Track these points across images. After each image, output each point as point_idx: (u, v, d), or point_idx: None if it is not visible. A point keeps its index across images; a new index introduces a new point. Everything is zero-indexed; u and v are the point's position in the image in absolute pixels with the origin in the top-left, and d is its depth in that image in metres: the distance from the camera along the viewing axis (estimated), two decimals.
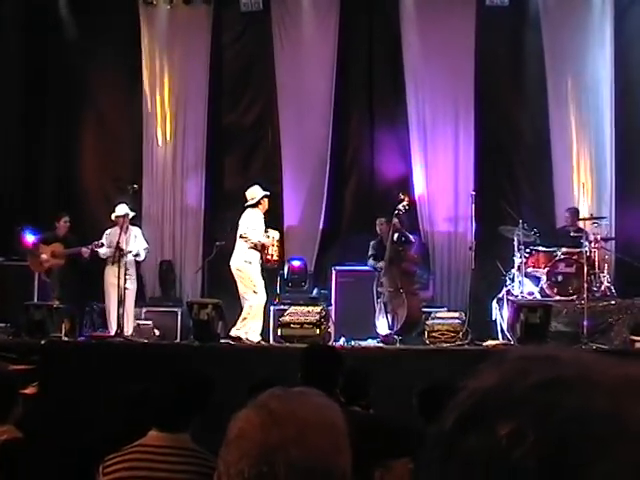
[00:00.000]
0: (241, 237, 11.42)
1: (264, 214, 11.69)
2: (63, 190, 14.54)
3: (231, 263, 11.43)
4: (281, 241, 12.35)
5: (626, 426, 0.70)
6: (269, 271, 11.88)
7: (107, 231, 12.30)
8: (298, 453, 1.68)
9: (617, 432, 0.69)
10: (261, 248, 11.46)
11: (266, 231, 11.60)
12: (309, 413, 1.78)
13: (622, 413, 0.70)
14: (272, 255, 11.58)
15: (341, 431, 1.79)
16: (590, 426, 0.69)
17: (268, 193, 11.78)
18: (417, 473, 0.73)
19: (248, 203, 11.63)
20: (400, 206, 11.83)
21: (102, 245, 12.12)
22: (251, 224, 11.45)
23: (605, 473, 0.67)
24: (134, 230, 12.35)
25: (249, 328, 11.26)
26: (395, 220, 11.80)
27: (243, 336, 11.15)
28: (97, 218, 13.48)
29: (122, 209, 12.15)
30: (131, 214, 12.21)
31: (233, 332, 11.20)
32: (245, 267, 11.33)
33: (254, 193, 11.65)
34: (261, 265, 11.55)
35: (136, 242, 12.24)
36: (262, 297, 11.50)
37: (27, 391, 8.10)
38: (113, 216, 12.20)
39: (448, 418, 0.76)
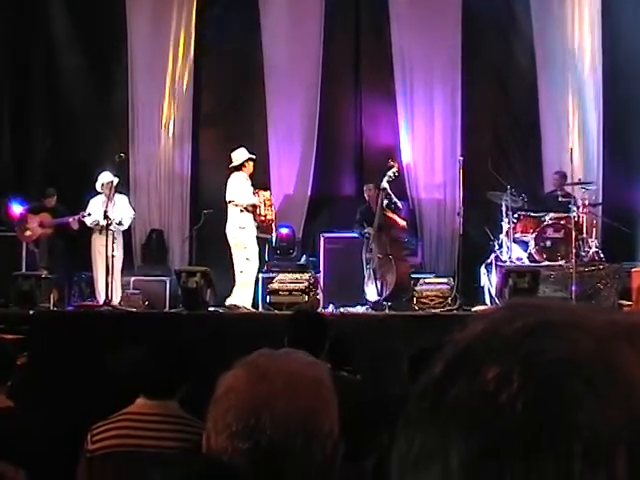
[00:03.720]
0: (230, 203, 11.37)
1: (250, 177, 11.61)
2: (50, 159, 14.46)
3: (227, 230, 11.37)
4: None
5: (613, 368, 0.70)
6: (258, 237, 11.80)
7: (92, 200, 12.23)
8: (285, 406, 1.71)
9: (604, 374, 0.70)
10: (252, 209, 11.39)
11: (255, 192, 11.52)
12: (296, 368, 1.81)
13: (609, 355, 0.71)
14: (265, 215, 11.49)
15: (327, 387, 1.81)
16: (577, 368, 0.70)
17: (253, 156, 11.65)
18: (404, 427, 0.74)
19: (232, 164, 11.55)
20: (390, 172, 11.80)
21: (89, 215, 12.06)
22: (237, 188, 11.38)
23: (593, 414, 0.68)
24: (119, 198, 12.29)
25: (243, 296, 11.24)
26: (385, 186, 11.78)
27: (240, 304, 11.13)
28: (84, 187, 13.38)
29: (107, 177, 12.09)
30: (115, 181, 12.14)
31: (228, 302, 11.19)
32: (239, 233, 11.25)
33: (239, 155, 11.56)
34: (257, 228, 11.49)
35: (121, 210, 12.19)
36: (254, 265, 11.46)
37: (17, 361, 8.09)
38: (98, 185, 12.13)
39: (436, 367, 0.77)
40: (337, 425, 1.79)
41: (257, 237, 11.54)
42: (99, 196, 12.12)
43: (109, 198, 11.93)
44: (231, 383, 1.78)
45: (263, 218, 11.48)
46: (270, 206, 11.61)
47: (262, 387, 1.74)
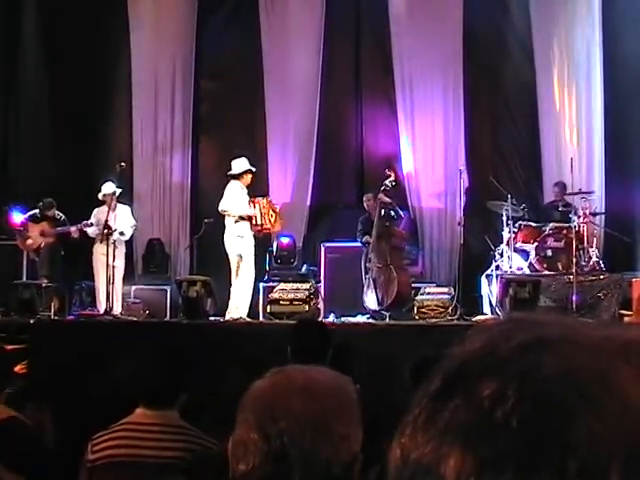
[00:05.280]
0: (223, 212, 11.34)
1: (247, 188, 11.54)
2: (52, 169, 14.44)
3: (224, 240, 11.34)
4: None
5: (609, 384, 0.70)
6: (258, 246, 11.76)
7: (95, 210, 12.26)
8: (299, 402, 1.83)
9: (600, 390, 0.70)
10: (248, 219, 11.37)
11: (251, 201, 11.48)
12: (320, 375, 1.95)
13: (604, 372, 0.71)
14: (261, 225, 11.42)
15: (348, 397, 1.92)
16: (572, 384, 0.70)
17: (253, 169, 11.61)
18: (400, 442, 0.74)
19: (230, 172, 11.52)
20: (387, 182, 11.82)
21: (91, 224, 12.08)
22: (230, 197, 11.34)
23: (588, 431, 0.68)
24: (121, 208, 12.31)
25: (241, 307, 11.22)
26: (382, 196, 11.79)
27: (237, 315, 11.11)
28: (86, 197, 13.36)
29: (109, 187, 12.11)
30: (118, 191, 12.17)
31: (227, 316, 11.16)
32: (236, 243, 11.23)
33: (239, 164, 11.51)
34: (254, 236, 11.46)
35: (123, 220, 12.20)
36: (250, 275, 11.43)
37: (16, 369, 8.09)
38: (100, 195, 12.16)
39: (433, 382, 0.77)
40: (357, 440, 1.87)
41: (255, 246, 11.51)
42: (103, 206, 12.13)
43: (111, 208, 11.96)
44: (258, 385, 1.91)
45: (259, 227, 11.42)
46: (267, 214, 11.51)
47: (282, 385, 1.88)
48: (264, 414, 1.82)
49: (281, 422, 1.79)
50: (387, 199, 11.90)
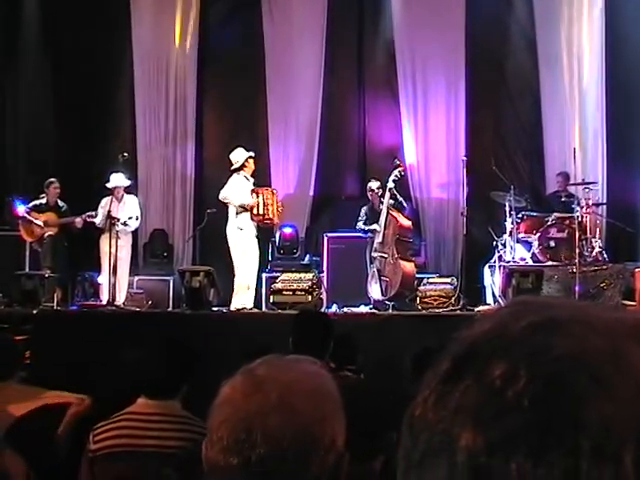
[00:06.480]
0: (224, 199, 11.31)
1: (252, 175, 11.53)
2: (55, 160, 14.45)
3: (227, 232, 11.31)
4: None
5: (621, 365, 0.70)
6: (261, 237, 11.73)
7: (103, 200, 12.23)
8: (277, 420, 1.65)
9: (612, 370, 0.70)
10: (249, 209, 11.34)
11: (254, 191, 11.45)
12: (294, 379, 1.74)
13: (616, 352, 0.71)
14: (263, 215, 11.37)
15: (330, 398, 1.75)
16: (584, 364, 0.70)
17: (252, 154, 11.54)
18: (410, 425, 0.74)
19: (233, 167, 11.48)
20: (396, 172, 11.80)
21: (95, 216, 12.06)
22: (233, 188, 11.30)
23: (600, 411, 0.68)
24: (129, 198, 12.30)
25: (244, 298, 11.20)
26: (392, 186, 11.76)
27: (240, 306, 11.09)
28: (88, 187, 13.35)
29: (117, 178, 12.10)
30: (126, 183, 12.17)
31: (232, 307, 11.15)
32: (237, 235, 11.20)
33: (238, 156, 11.47)
34: (256, 227, 11.43)
35: (130, 211, 12.17)
36: (254, 267, 11.40)
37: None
38: (110, 185, 12.14)
39: (442, 364, 0.77)
40: (342, 436, 1.73)
41: (258, 237, 11.47)
42: (110, 196, 12.13)
43: (117, 198, 11.99)
44: (227, 394, 1.72)
45: (261, 217, 11.36)
46: (271, 204, 11.46)
47: (256, 399, 1.68)
48: (240, 437, 1.64)
49: (260, 448, 1.62)
50: (395, 190, 11.88)
